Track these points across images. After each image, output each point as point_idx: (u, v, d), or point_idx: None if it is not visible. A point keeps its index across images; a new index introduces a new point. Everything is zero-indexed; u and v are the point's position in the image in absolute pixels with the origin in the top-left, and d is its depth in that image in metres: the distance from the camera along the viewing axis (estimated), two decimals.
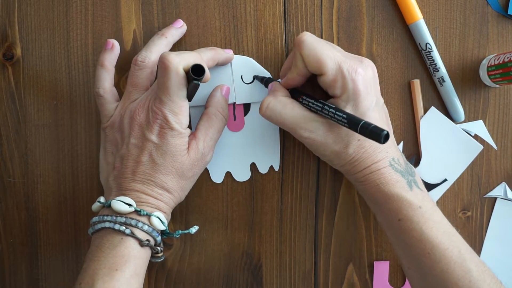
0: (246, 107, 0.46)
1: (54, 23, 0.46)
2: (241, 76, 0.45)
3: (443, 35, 0.47)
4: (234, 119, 0.46)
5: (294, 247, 0.49)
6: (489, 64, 0.46)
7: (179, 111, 0.39)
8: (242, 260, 0.49)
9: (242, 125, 0.47)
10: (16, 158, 0.47)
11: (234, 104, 0.46)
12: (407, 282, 0.50)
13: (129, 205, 0.39)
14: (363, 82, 0.38)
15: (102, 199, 0.42)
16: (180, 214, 0.48)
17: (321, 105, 0.39)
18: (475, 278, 0.37)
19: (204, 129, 0.42)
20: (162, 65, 0.38)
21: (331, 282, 0.49)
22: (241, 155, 0.47)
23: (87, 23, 0.46)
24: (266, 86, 0.44)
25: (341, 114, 0.37)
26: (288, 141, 0.48)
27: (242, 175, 0.47)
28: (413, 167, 0.43)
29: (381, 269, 0.49)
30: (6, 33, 0.46)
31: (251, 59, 0.46)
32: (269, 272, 0.49)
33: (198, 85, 0.38)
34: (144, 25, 0.46)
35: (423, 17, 0.46)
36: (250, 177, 0.48)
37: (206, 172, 0.47)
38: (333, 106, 0.38)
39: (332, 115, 0.38)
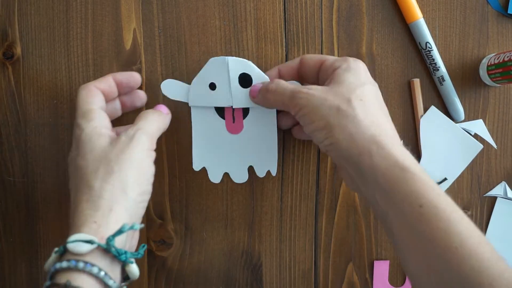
0: (245, 110, 0.46)
1: (54, 22, 0.46)
2: (238, 79, 0.44)
3: (443, 34, 0.47)
4: (233, 121, 0.46)
5: (294, 247, 0.49)
6: (489, 63, 0.46)
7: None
8: (242, 259, 0.49)
9: (240, 127, 0.46)
10: (16, 157, 0.47)
11: (232, 107, 0.45)
12: (407, 281, 0.50)
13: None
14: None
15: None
16: (180, 213, 0.48)
17: None
18: None
19: None
20: None
21: (331, 281, 0.49)
22: (239, 157, 0.47)
23: (87, 22, 0.46)
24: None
25: None
26: (288, 141, 0.48)
27: (240, 177, 0.47)
28: None
29: (381, 268, 0.49)
30: (6, 32, 0.46)
31: (250, 62, 0.44)
32: (269, 271, 0.49)
33: None
34: (144, 24, 0.46)
35: (423, 16, 0.46)
36: (249, 177, 0.47)
37: (205, 171, 0.47)
38: None
39: None
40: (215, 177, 0.47)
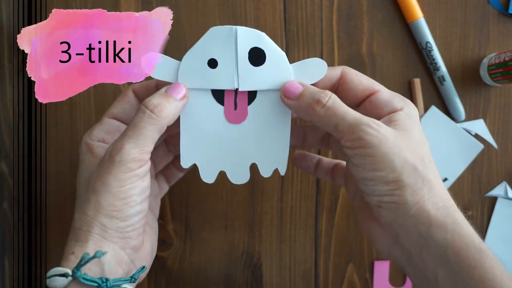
0: (252, 94, 0.38)
1: None
2: (248, 55, 0.36)
3: (443, 34, 0.47)
4: (235, 108, 0.38)
5: (294, 247, 0.49)
6: (489, 63, 0.46)
7: None
8: (242, 260, 0.49)
9: (244, 116, 0.38)
10: (16, 157, 0.47)
11: (236, 90, 0.37)
12: (407, 281, 0.49)
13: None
14: None
15: None
16: (180, 213, 0.48)
17: None
18: None
19: None
20: None
21: (331, 281, 0.49)
22: (240, 153, 0.38)
23: None
24: None
25: None
26: None
27: (239, 177, 0.39)
28: None
29: (382, 269, 0.49)
30: None
31: (264, 34, 0.36)
32: (269, 272, 0.49)
33: None
34: None
35: (424, 16, 0.46)
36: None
37: None
38: None
39: None
40: (208, 176, 0.39)
